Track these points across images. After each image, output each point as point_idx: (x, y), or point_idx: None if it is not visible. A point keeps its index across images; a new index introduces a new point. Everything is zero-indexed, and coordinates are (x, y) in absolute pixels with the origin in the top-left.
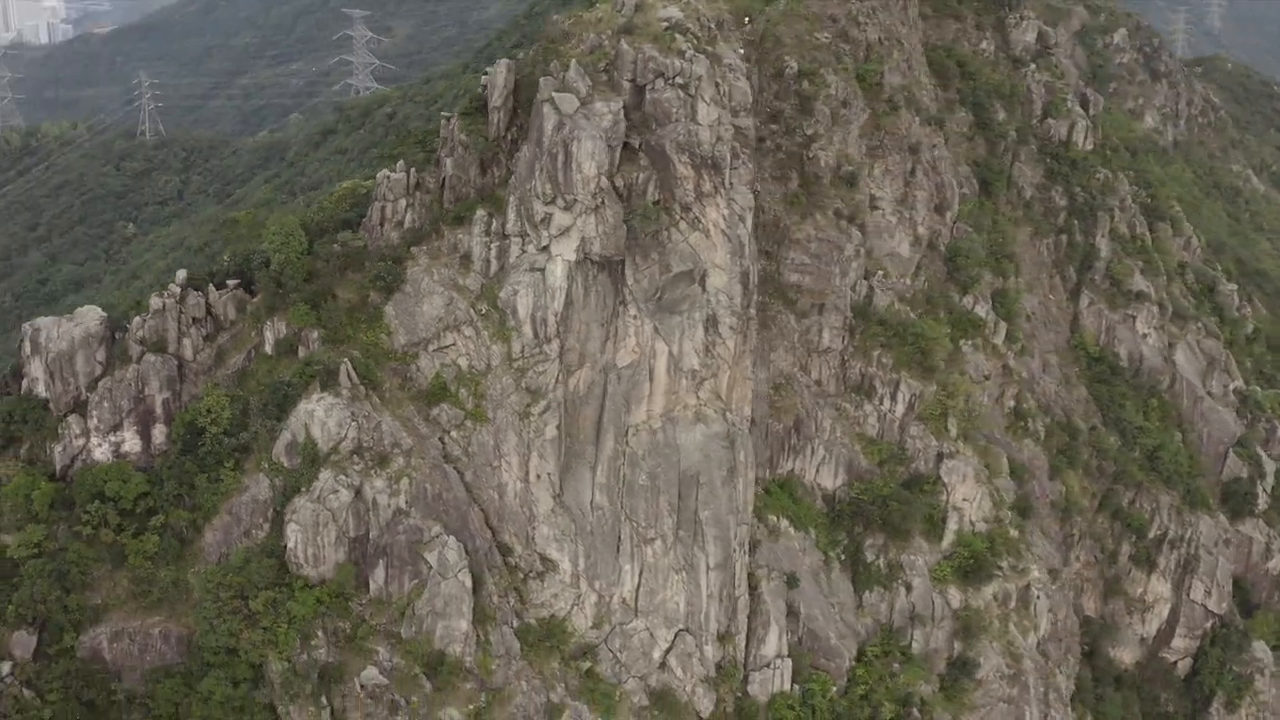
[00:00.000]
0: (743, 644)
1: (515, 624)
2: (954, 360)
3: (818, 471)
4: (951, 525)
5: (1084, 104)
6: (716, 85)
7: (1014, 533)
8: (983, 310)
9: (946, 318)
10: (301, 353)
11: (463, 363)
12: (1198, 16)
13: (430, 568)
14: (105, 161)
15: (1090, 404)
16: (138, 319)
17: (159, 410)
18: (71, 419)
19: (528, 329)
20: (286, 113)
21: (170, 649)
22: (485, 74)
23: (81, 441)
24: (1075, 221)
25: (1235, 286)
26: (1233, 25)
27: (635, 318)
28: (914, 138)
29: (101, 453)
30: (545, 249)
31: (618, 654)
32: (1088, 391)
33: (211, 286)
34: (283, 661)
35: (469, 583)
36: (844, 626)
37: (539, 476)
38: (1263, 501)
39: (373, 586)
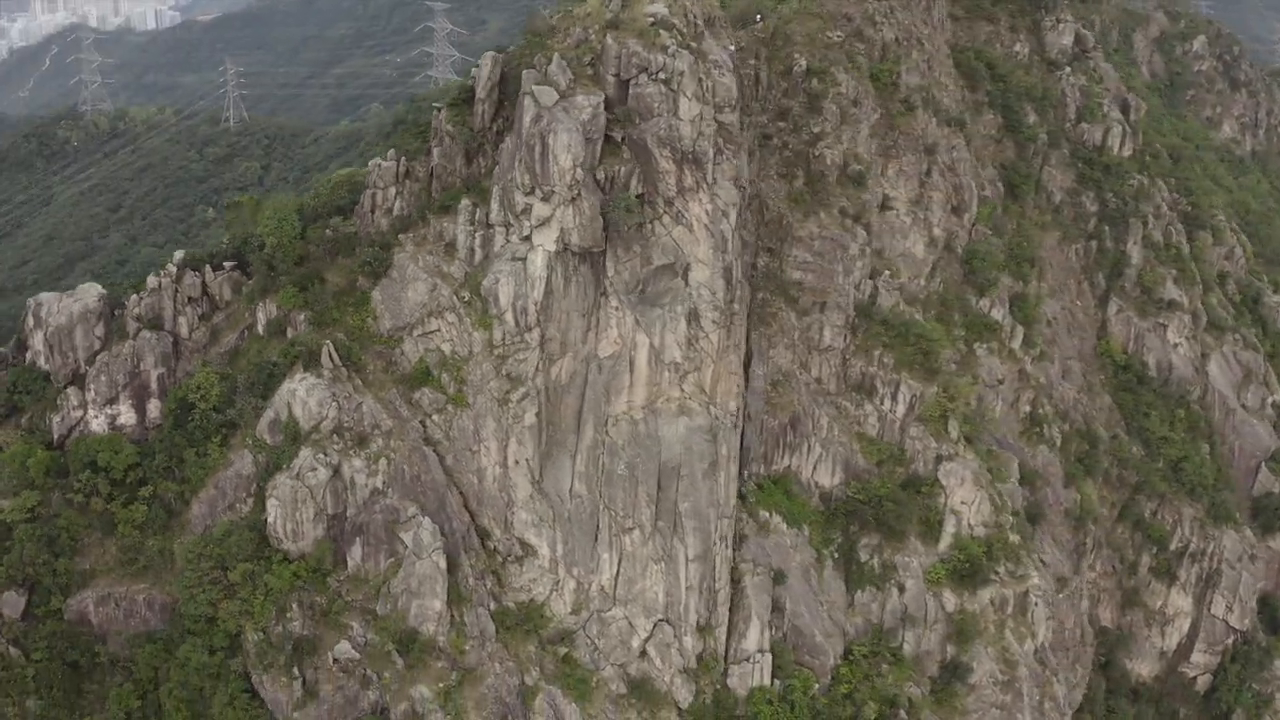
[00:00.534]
0: (723, 637)
1: (492, 606)
2: (967, 363)
3: (815, 469)
4: (949, 528)
5: (1124, 109)
6: (700, 81)
7: (1014, 538)
8: (999, 314)
9: (961, 320)
10: (290, 334)
11: (446, 348)
12: None
13: (406, 547)
14: (189, 146)
15: (1114, 412)
16: (134, 296)
17: (154, 385)
18: (70, 391)
19: (509, 317)
20: (377, 103)
21: (154, 615)
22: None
23: (79, 413)
24: (1106, 227)
25: None
26: None
27: (617, 309)
28: (931, 138)
29: (98, 424)
30: (527, 239)
31: (595, 641)
32: (1112, 400)
33: (208, 267)
34: (258, 632)
35: (443, 564)
36: (831, 624)
37: (517, 462)
38: None
39: (350, 563)
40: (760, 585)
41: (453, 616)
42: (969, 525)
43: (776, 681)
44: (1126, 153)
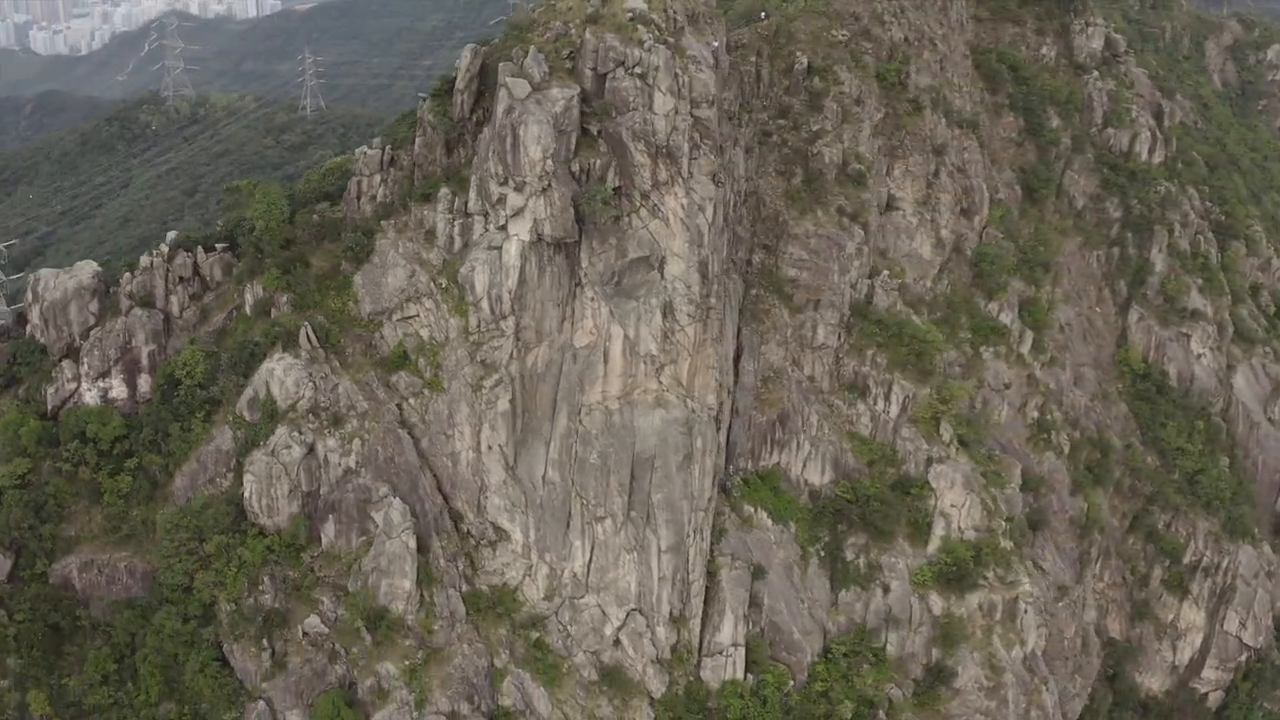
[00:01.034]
0: (697, 629)
1: (464, 589)
2: (972, 366)
3: (804, 467)
4: (938, 530)
5: (1157, 115)
6: (676, 76)
7: (1006, 544)
8: (1007, 318)
9: (967, 323)
10: (273, 315)
11: (424, 333)
12: None
13: (377, 526)
14: (266, 133)
15: (1129, 421)
16: (127, 274)
17: (144, 361)
18: (65, 364)
19: (484, 305)
20: None
21: (135, 583)
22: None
23: (73, 385)
24: (1129, 234)
25: None
26: None
27: (592, 300)
28: (940, 139)
29: (91, 397)
30: (503, 228)
31: (567, 627)
32: (1128, 409)
33: (200, 249)
34: (230, 603)
35: (413, 544)
36: (811, 622)
37: (490, 448)
38: None
39: (324, 540)
40: (737, 579)
41: (422, 596)
42: (959, 528)
43: (750, 676)
44: (1157, 159)
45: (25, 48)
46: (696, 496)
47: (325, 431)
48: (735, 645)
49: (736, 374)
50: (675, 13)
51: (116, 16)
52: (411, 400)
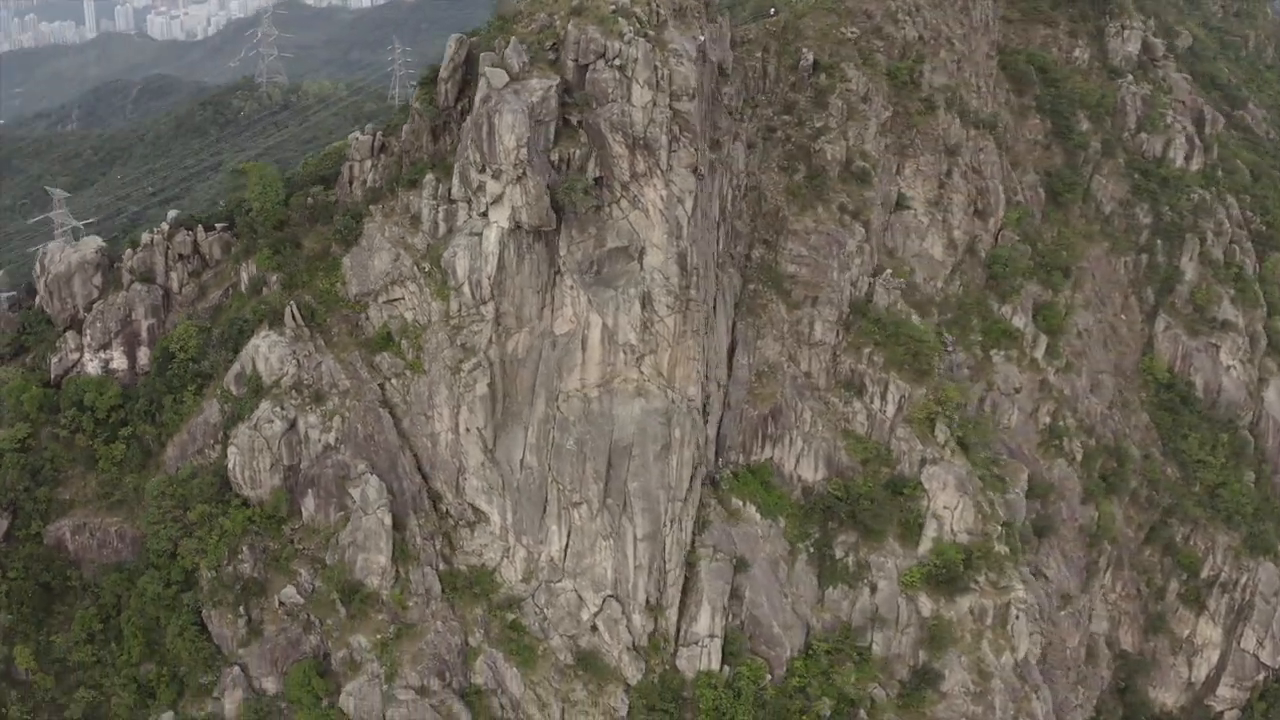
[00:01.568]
0: (674, 618)
1: (441, 567)
2: (982, 369)
3: (797, 462)
4: (930, 532)
5: (1198, 122)
6: (655, 69)
7: (1001, 548)
8: (1020, 321)
9: (978, 325)
10: (265, 293)
11: (408, 316)
12: None
13: (354, 502)
14: (354, 121)
15: (1150, 431)
16: (129, 250)
17: (144, 334)
18: (69, 335)
19: (465, 290)
20: None
21: (125, 547)
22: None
23: (76, 355)
24: (1158, 241)
25: None
26: None
27: (572, 288)
28: (953, 139)
29: (93, 367)
30: (484, 215)
31: (543, 610)
32: (1150, 419)
33: (201, 227)
34: (211, 570)
35: (388, 521)
36: (793, 617)
37: (468, 430)
38: None
39: (304, 513)
40: (716, 571)
41: (398, 572)
42: (952, 531)
43: (727, 668)
44: (1195, 166)
45: (141, 32)
46: (674, 487)
47: (307, 407)
48: (712, 636)
49: (730, 367)
50: (659, 6)
51: (233, 3)
52: (394, 380)
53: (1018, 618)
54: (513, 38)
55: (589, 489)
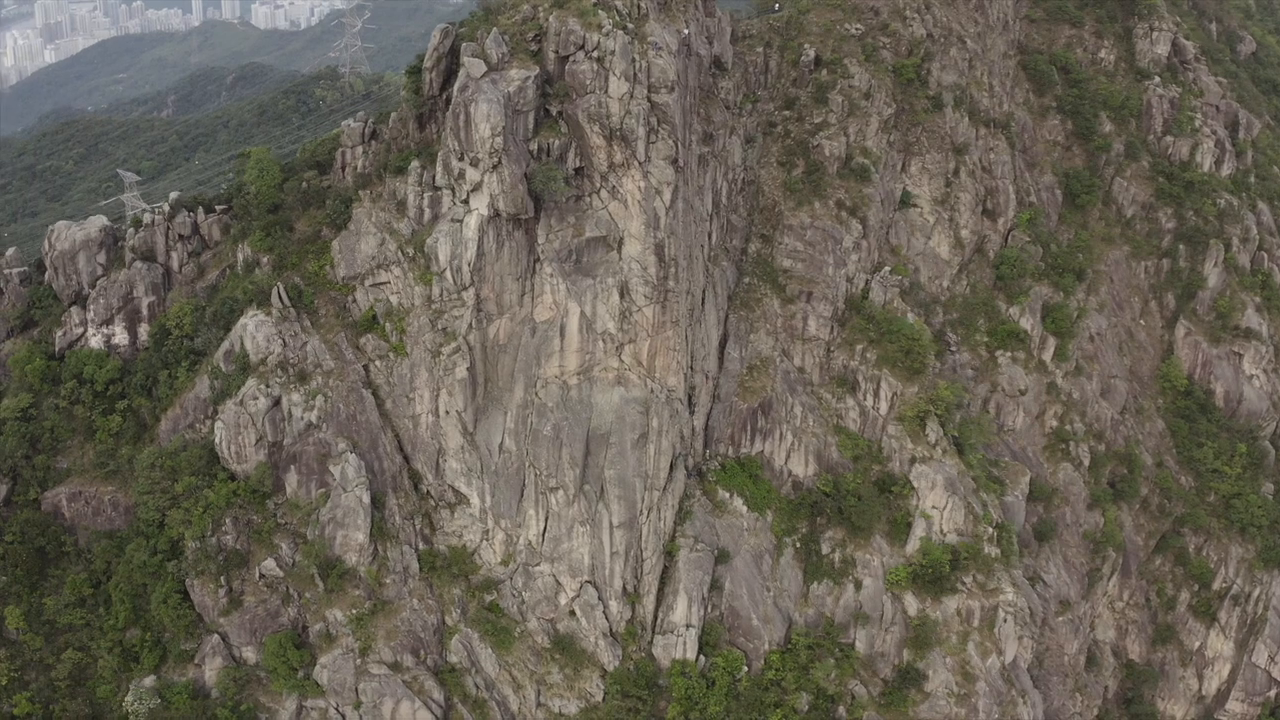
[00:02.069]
0: (651, 606)
1: (421, 547)
2: (986, 369)
3: (788, 457)
4: (918, 531)
5: (1232, 126)
6: (633, 61)
7: (992, 550)
8: (1028, 323)
9: (985, 326)
10: (256, 274)
11: (393, 299)
12: None
13: (335, 480)
14: None
15: (1165, 439)
16: (131, 230)
17: (144, 311)
18: (73, 310)
19: (447, 275)
20: None
21: (118, 516)
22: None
23: (80, 330)
24: (1181, 246)
25: None
26: None
27: (551, 276)
28: (962, 138)
29: (96, 342)
30: (465, 202)
31: (521, 593)
32: (1166, 426)
33: (201, 209)
34: (195, 541)
35: (367, 499)
36: (774, 610)
37: (448, 413)
38: None
39: (287, 489)
40: (695, 561)
41: (376, 550)
42: (941, 531)
43: (703, 658)
44: (1226, 171)
45: (245, 21)
46: (651, 476)
47: (291, 386)
48: (689, 626)
49: (721, 360)
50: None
51: None
52: (378, 362)
53: (1005, 621)
54: (494, 29)
55: (565, 475)
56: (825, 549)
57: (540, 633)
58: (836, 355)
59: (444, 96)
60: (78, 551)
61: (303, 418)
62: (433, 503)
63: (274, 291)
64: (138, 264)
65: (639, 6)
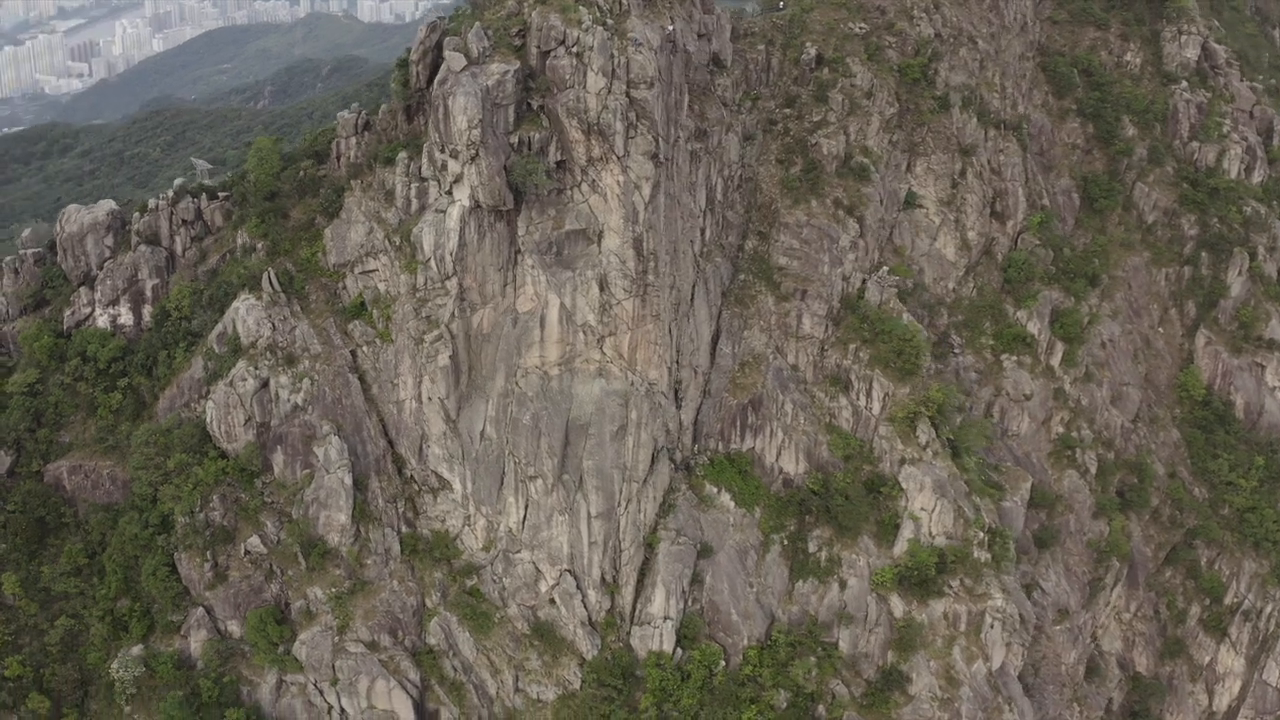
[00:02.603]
0: (630, 597)
1: (404, 530)
2: (991, 373)
3: (778, 454)
4: (906, 533)
5: (1266, 133)
6: (612, 57)
7: (982, 555)
8: (1035, 327)
9: (991, 329)
10: (251, 259)
11: (381, 287)
12: None
13: (319, 461)
14: None
15: (1180, 449)
16: (136, 214)
17: (148, 293)
18: (82, 290)
19: (432, 264)
20: None
21: (116, 489)
22: None
23: (88, 310)
24: (1203, 254)
25: None
26: None
27: (533, 268)
28: (969, 139)
29: (103, 321)
30: (449, 193)
31: (501, 579)
32: (1181, 436)
33: (204, 195)
34: (185, 516)
35: (348, 481)
36: (755, 607)
37: (430, 399)
38: None
39: (275, 469)
40: (676, 554)
41: (358, 531)
42: (929, 533)
43: (680, 650)
44: (1256, 178)
45: (350, 14)
46: (629, 468)
47: (279, 369)
48: (666, 618)
49: (713, 355)
50: None
51: None
52: (365, 348)
53: (992, 626)
54: (476, 23)
55: (543, 464)
56: (812, 547)
57: (520, 619)
58: (830, 354)
59: (431, 89)
60: (76, 523)
61: (289, 400)
62: (416, 487)
63: (264, 276)
64: (142, 247)
65: (621, 2)
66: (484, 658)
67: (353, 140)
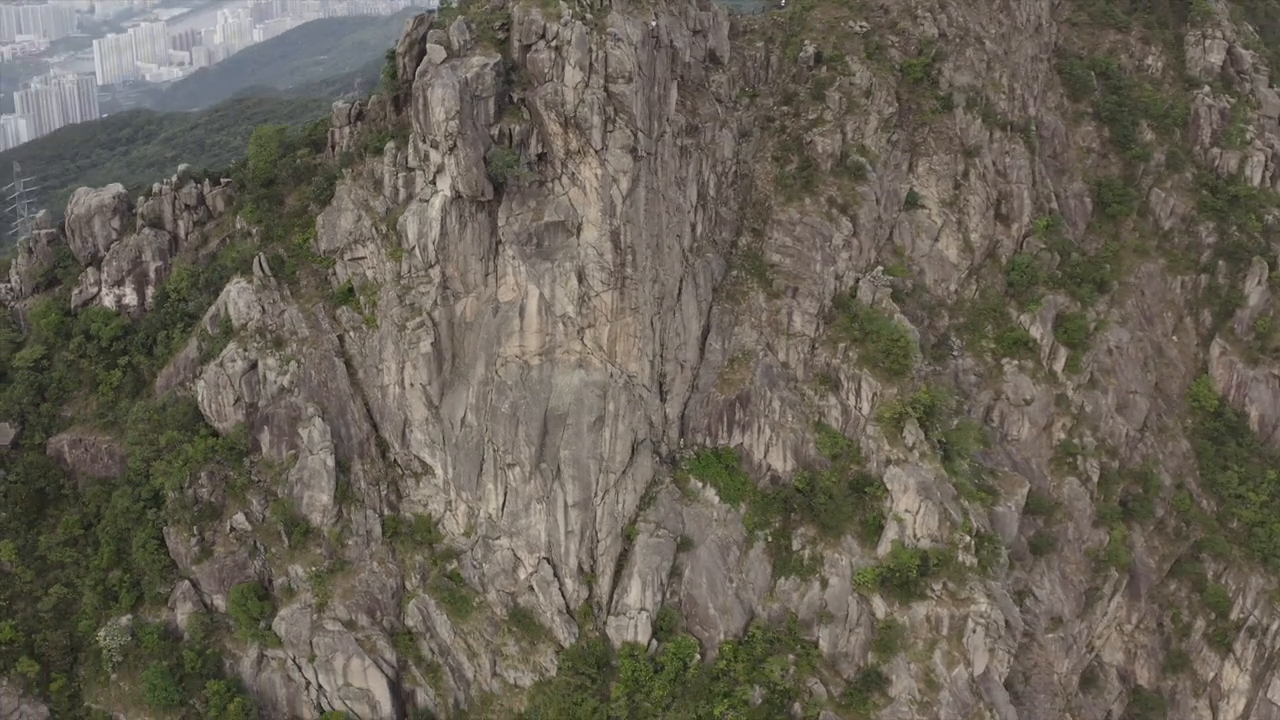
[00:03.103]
0: (607, 587)
1: (386, 513)
2: (990, 376)
3: (766, 451)
4: (890, 534)
5: None
6: (590, 51)
7: (968, 559)
8: (1038, 331)
9: (992, 332)
10: (245, 244)
11: (369, 273)
12: None
13: (303, 442)
14: None
15: (1190, 460)
16: (141, 198)
17: (152, 274)
18: (89, 270)
19: (416, 253)
20: None
21: (114, 464)
22: None
23: (95, 290)
24: (1221, 262)
25: None
26: None
27: (513, 258)
28: (972, 140)
29: (109, 301)
30: (433, 183)
31: (481, 564)
32: (1191, 447)
33: (207, 180)
34: (174, 491)
35: (331, 462)
36: (734, 602)
37: (412, 385)
38: None
39: (263, 448)
40: (654, 546)
41: (340, 512)
42: (914, 535)
43: (655, 641)
44: None
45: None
46: (606, 459)
47: (267, 351)
48: (642, 609)
49: (703, 351)
50: None
51: None
52: (352, 333)
53: (974, 631)
54: (459, 16)
55: (521, 452)
56: (796, 545)
57: (499, 604)
58: (820, 352)
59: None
60: (75, 495)
61: (276, 381)
62: (399, 471)
63: (255, 261)
64: (146, 230)
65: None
66: (461, 641)
67: (346, 130)
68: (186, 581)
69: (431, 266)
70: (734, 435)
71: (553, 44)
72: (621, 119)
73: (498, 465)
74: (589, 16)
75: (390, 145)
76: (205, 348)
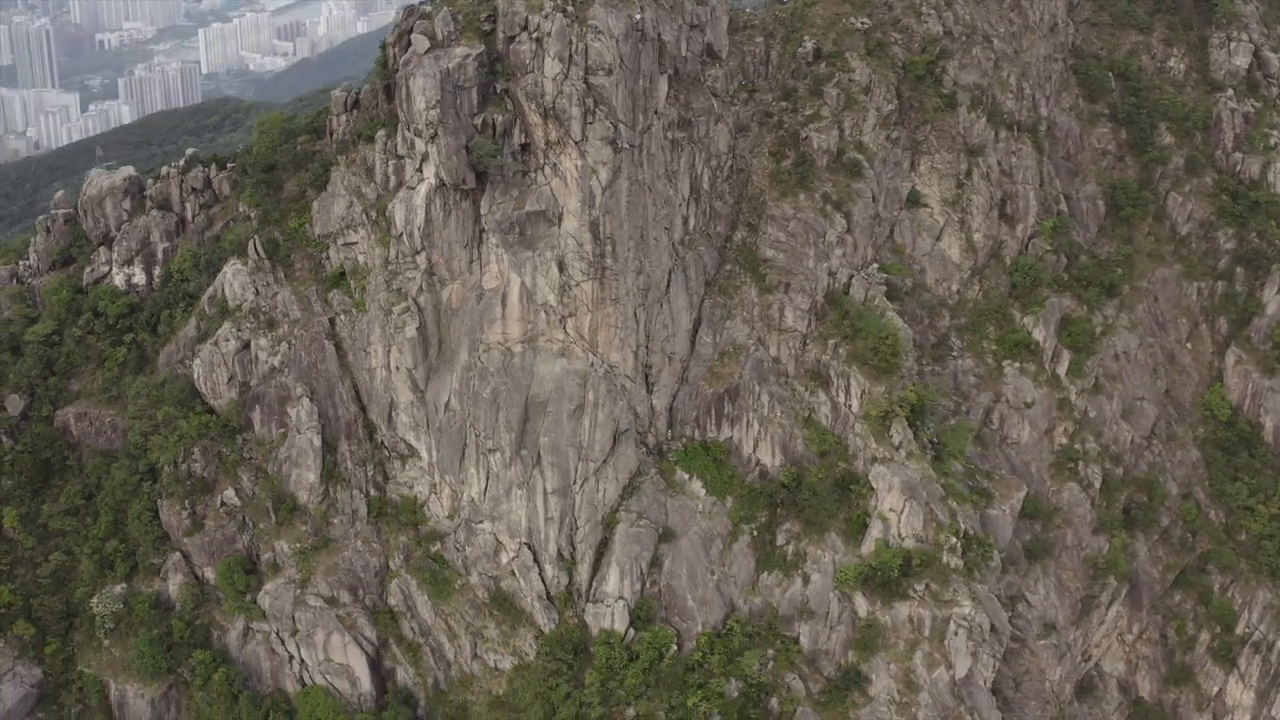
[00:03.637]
0: (587, 575)
1: (373, 493)
2: (991, 378)
3: (755, 445)
4: (874, 532)
5: None
6: (570, 43)
7: (953, 560)
8: (1041, 334)
9: (994, 334)
10: (243, 227)
11: (360, 258)
12: None
13: (292, 421)
14: None
15: (1199, 470)
16: (150, 180)
17: (159, 255)
18: (101, 250)
19: (403, 239)
20: None
21: (116, 437)
22: None
23: (106, 269)
24: (1239, 269)
25: None
26: None
27: (496, 246)
28: (976, 139)
29: (118, 280)
30: (420, 170)
31: (464, 547)
32: (1201, 456)
33: (214, 165)
34: (169, 465)
35: (318, 442)
36: (714, 594)
37: (398, 369)
38: None
39: (255, 426)
40: (634, 536)
41: (327, 491)
42: (898, 535)
43: (632, 630)
44: None
45: None
46: (586, 447)
47: (260, 331)
48: (619, 598)
49: (693, 343)
50: None
51: None
52: (343, 316)
53: (956, 634)
54: (445, 8)
55: (501, 438)
56: (780, 540)
57: (481, 587)
58: (811, 348)
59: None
60: (78, 466)
61: (267, 361)
62: (386, 453)
63: (250, 244)
64: (154, 212)
65: None
66: (442, 622)
67: (342, 118)
68: (178, 553)
69: (418, 253)
70: (723, 429)
71: (534, 35)
72: (601, 110)
73: (479, 450)
74: (571, 9)
75: (381, 133)
76: (203, 327)
